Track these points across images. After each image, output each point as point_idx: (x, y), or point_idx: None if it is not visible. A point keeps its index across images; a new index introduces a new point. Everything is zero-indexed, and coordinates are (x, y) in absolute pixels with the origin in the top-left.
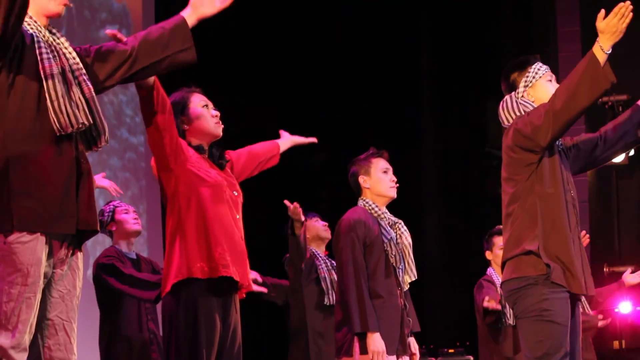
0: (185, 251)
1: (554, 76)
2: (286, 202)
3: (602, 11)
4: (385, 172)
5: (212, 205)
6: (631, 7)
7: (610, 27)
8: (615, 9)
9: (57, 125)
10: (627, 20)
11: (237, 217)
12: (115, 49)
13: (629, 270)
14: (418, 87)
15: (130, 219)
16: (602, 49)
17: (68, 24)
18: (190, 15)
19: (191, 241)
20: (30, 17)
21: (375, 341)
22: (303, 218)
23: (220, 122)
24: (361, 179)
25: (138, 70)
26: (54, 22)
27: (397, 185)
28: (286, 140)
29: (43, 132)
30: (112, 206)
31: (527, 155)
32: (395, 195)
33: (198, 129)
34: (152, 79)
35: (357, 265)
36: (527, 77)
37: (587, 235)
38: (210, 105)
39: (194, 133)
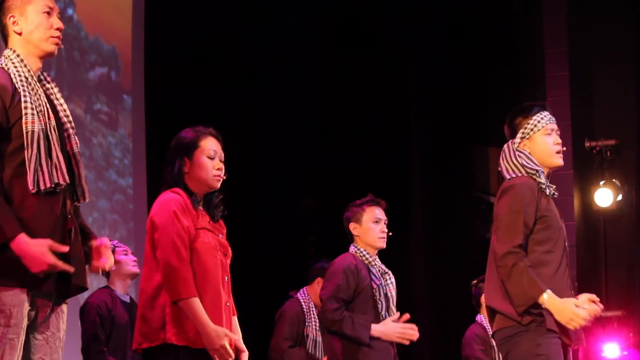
0: (165, 314)
1: (554, 129)
2: None
3: None
4: (376, 222)
5: (203, 272)
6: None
7: (564, 315)
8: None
9: (33, 183)
10: (581, 323)
11: (226, 279)
12: None
13: None
14: (407, 132)
15: (130, 261)
16: (545, 304)
17: (57, 65)
18: None
19: (176, 307)
20: (22, 61)
21: None
22: None
23: (221, 175)
24: (351, 226)
25: None
26: (43, 62)
27: (386, 235)
28: None
29: (27, 187)
30: (111, 246)
31: None
32: (383, 246)
33: (196, 177)
34: None
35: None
36: (526, 127)
37: None
38: (219, 155)
39: (192, 179)
